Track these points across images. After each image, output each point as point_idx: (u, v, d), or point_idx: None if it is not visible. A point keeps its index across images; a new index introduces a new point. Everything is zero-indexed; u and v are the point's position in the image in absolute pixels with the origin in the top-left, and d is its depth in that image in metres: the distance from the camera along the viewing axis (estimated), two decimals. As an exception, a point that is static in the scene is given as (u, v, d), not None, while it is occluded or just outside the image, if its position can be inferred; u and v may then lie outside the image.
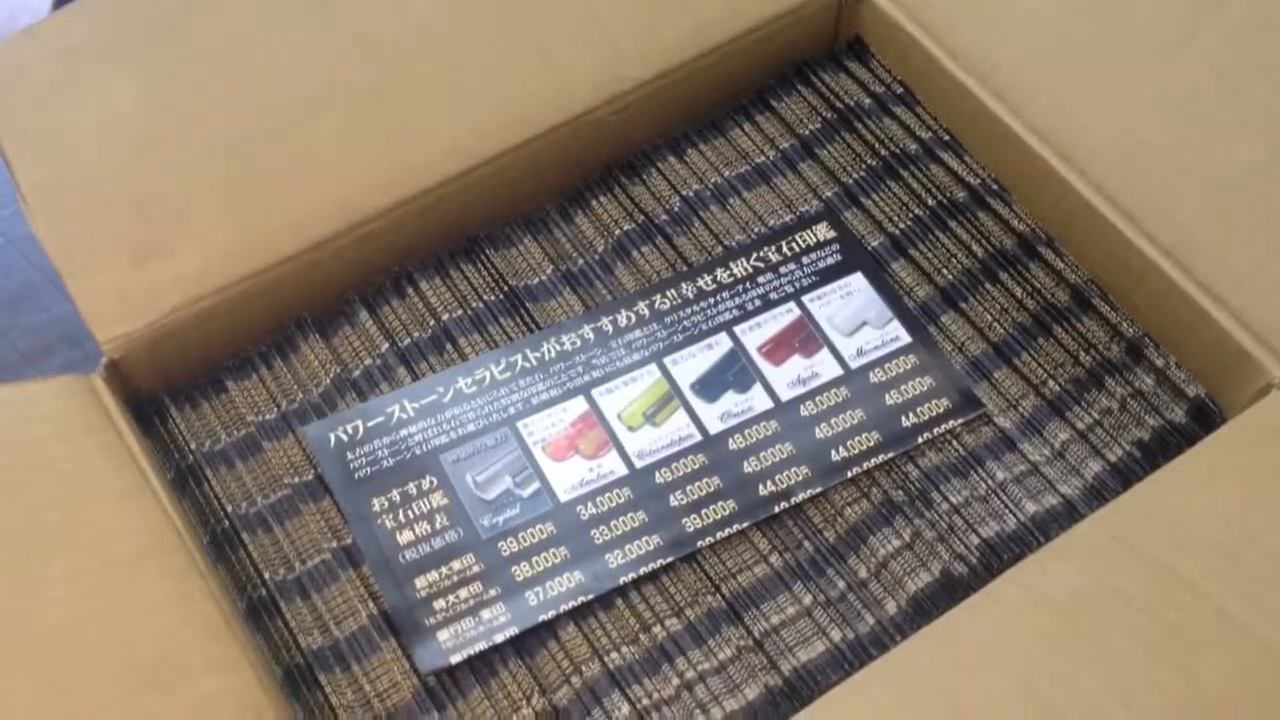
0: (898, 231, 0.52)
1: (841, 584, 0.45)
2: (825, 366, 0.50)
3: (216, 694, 0.41)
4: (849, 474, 0.47)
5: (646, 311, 0.50)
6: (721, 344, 0.50)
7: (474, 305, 0.51)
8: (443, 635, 0.44)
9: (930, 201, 0.53)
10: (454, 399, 0.48)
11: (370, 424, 0.48)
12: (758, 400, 0.49)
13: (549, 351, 0.50)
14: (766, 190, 0.54)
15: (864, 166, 0.54)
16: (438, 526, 0.46)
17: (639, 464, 0.48)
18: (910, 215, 0.53)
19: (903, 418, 0.48)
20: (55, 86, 0.51)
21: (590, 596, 0.45)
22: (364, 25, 0.53)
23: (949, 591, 0.45)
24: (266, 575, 0.46)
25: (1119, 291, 0.51)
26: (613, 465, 0.47)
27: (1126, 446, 0.47)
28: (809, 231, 0.52)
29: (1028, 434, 0.48)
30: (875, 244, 0.52)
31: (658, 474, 0.47)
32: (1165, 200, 0.49)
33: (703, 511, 0.47)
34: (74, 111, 0.50)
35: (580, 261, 0.52)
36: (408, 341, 0.50)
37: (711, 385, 0.49)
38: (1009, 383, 0.49)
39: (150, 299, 0.48)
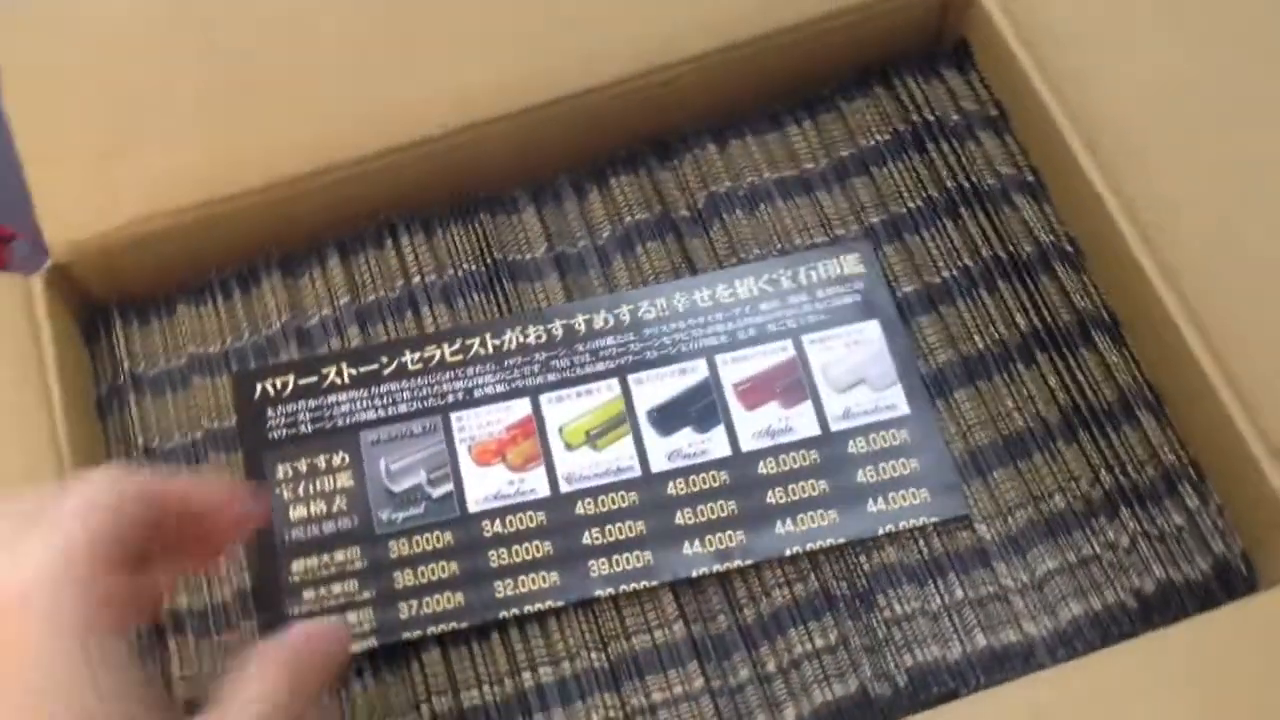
0: (939, 280, 0.48)
1: (744, 673, 0.42)
2: (802, 422, 0.46)
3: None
4: (787, 552, 0.44)
5: (628, 317, 0.48)
6: (696, 371, 0.47)
7: (450, 273, 0.49)
8: None
9: (987, 252, 0.48)
10: (395, 373, 0.47)
11: (303, 382, 0.47)
12: (715, 445, 0.46)
13: (510, 342, 0.47)
14: (805, 202, 0.50)
15: (924, 195, 0.49)
16: (334, 509, 0.45)
17: (564, 488, 0.45)
18: (959, 264, 0.48)
19: (870, 501, 0.44)
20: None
21: (464, 624, 0.44)
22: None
23: (860, 711, 0.41)
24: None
25: (1177, 407, 0.45)
26: (535, 484, 0.45)
27: (1121, 594, 0.42)
28: (835, 261, 0.48)
29: (1009, 553, 0.43)
30: (907, 289, 0.48)
31: (580, 504, 0.45)
32: (1246, 320, 0.42)
33: (615, 558, 0.44)
34: (70, 4, 0.50)
35: (581, 244, 0.50)
36: (371, 299, 0.49)
37: (670, 417, 0.46)
38: (1007, 486, 0.44)
39: (111, 205, 0.48)
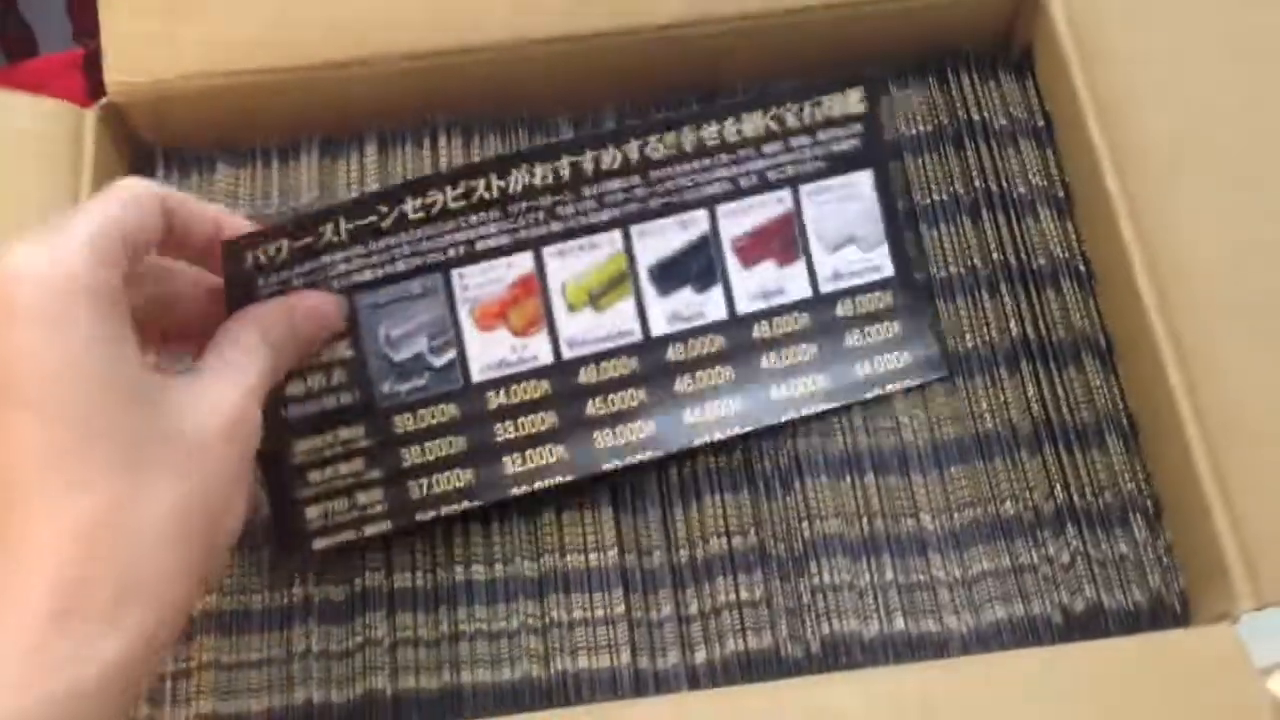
0: (944, 275, 0.49)
1: (667, 610, 0.44)
2: (795, 283, 0.48)
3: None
4: (782, 418, 0.46)
5: (636, 155, 0.47)
6: (698, 224, 0.47)
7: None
8: (311, 512, 0.45)
9: (998, 256, 0.49)
10: (394, 225, 0.45)
11: (297, 245, 0.45)
12: (712, 307, 0.47)
13: (515, 183, 0.46)
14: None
15: (949, 190, 0.50)
16: (334, 382, 0.46)
17: (567, 354, 0.46)
18: (967, 263, 0.49)
19: (857, 365, 0.47)
20: None
21: (473, 504, 0.45)
22: None
23: (767, 666, 0.43)
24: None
25: (1149, 439, 0.46)
26: (539, 349, 0.46)
27: (1048, 608, 0.44)
28: (840, 96, 0.48)
29: (947, 547, 0.45)
30: (920, 277, 0.49)
31: (583, 371, 0.46)
32: (1231, 363, 0.43)
33: (619, 429, 0.46)
34: None
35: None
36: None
37: (671, 275, 0.47)
38: (963, 482, 0.46)
39: (172, 57, 0.51)
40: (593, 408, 0.46)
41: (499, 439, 0.45)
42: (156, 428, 0.34)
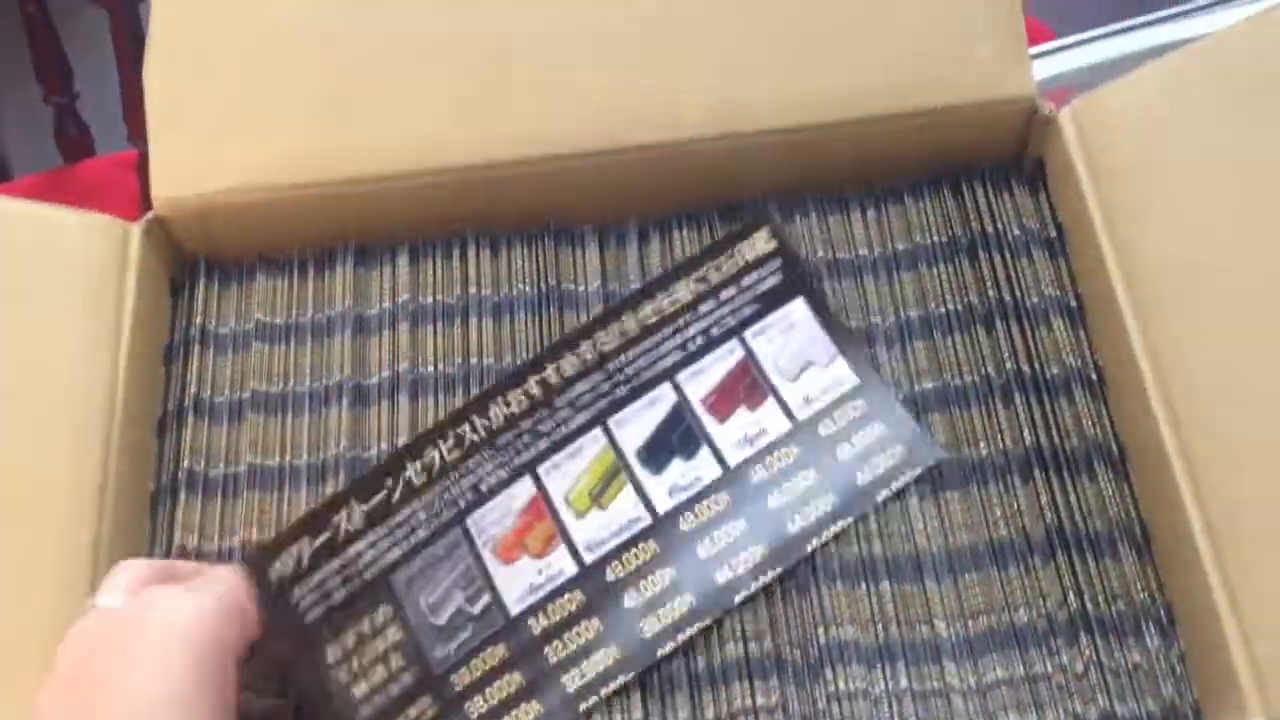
0: (959, 383, 0.50)
1: (685, 713, 0.45)
2: (772, 420, 0.50)
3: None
4: (808, 548, 0.47)
5: (590, 355, 0.51)
6: (665, 398, 0.50)
7: (505, 290, 0.53)
8: None
9: (1011, 365, 0.50)
10: (403, 495, 0.49)
11: (316, 544, 0.47)
12: (705, 468, 0.49)
13: (496, 417, 0.50)
14: (849, 286, 0.52)
15: (964, 300, 0.51)
16: (394, 669, 0.46)
17: (588, 558, 0.48)
18: (982, 372, 0.50)
19: (858, 474, 0.48)
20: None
21: None
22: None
23: (781, 775, 0.43)
24: (186, 464, 0.51)
25: (1162, 548, 0.46)
26: (562, 564, 0.48)
27: (1061, 717, 0.44)
28: (748, 241, 0.53)
29: (961, 654, 0.45)
30: (927, 386, 0.50)
31: (609, 569, 0.48)
32: (1239, 473, 0.44)
33: (659, 612, 0.47)
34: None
35: (633, 286, 0.53)
36: (428, 301, 0.53)
37: (657, 452, 0.50)
38: (976, 590, 0.46)
39: (216, 172, 0.53)
40: (630, 600, 0.47)
41: (551, 661, 0.46)
42: None
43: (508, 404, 0.50)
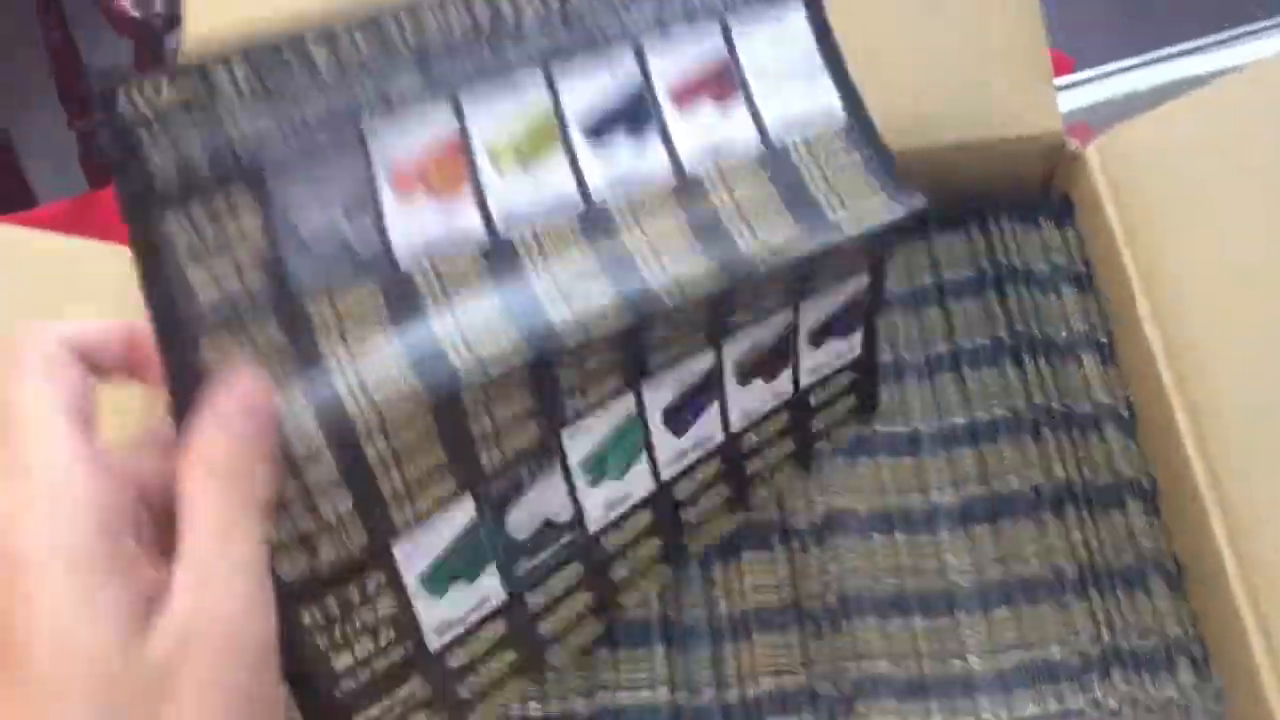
0: (988, 418, 0.50)
1: (718, 749, 0.45)
2: (741, 129, 0.43)
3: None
4: (760, 269, 0.41)
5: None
6: (625, 68, 0.42)
7: None
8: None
9: (1040, 400, 0.50)
10: (303, 69, 0.37)
11: (184, 95, 0.35)
12: (654, 160, 0.42)
13: (426, 27, 0.39)
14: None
15: (992, 335, 0.52)
16: (241, 259, 0.36)
17: (501, 227, 0.39)
18: (1010, 406, 0.50)
19: (828, 210, 0.42)
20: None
21: (424, 400, 0.37)
22: None
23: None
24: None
25: (1195, 583, 0.47)
26: (468, 219, 0.39)
27: (1093, 754, 0.44)
28: None
29: (995, 689, 0.46)
30: (957, 420, 0.50)
31: (521, 251, 0.39)
32: (1271, 506, 0.44)
33: (574, 304, 0.39)
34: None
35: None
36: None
37: (602, 122, 0.41)
38: (1008, 625, 0.47)
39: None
40: (537, 282, 0.39)
41: (436, 330, 0.38)
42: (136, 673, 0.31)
43: (443, 13, 0.40)
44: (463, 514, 0.40)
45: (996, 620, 0.47)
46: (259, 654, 0.32)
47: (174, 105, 0.35)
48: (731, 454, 0.47)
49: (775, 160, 0.43)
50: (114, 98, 0.35)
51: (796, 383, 0.47)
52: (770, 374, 0.46)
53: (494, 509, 0.41)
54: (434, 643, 0.41)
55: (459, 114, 0.40)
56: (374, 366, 0.36)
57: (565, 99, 0.41)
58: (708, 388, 0.45)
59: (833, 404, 0.49)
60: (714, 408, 0.46)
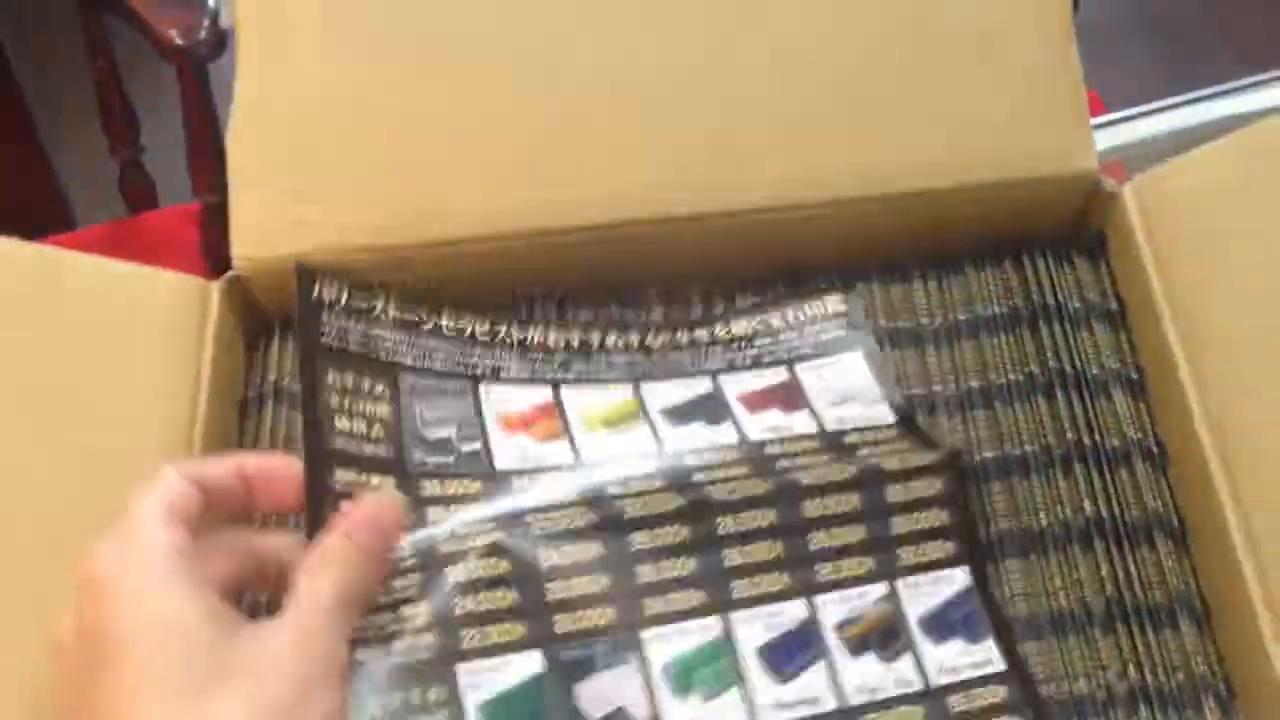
0: (1019, 453, 0.51)
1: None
2: (802, 424, 0.51)
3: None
4: (804, 480, 0.47)
5: (634, 339, 0.52)
6: (700, 385, 0.52)
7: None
8: None
9: (1072, 436, 0.51)
10: (432, 331, 0.50)
11: (353, 302, 0.49)
12: (725, 434, 0.50)
13: (533, 338, 0.51)
14: (911, 354, 0.53)
15: (1024, 371, 0.52)
16: (373, 434, 0.47)
17: (586, 458, 0.49)
18: (1043, 441, 0.51)
19: (871, 458, 0.49)
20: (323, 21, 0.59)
21: (505, 543, 0.44)
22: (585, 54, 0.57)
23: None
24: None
25: (1222, 621, 0.47)
26: (560, 455, 0.49)
27: (1119, 791, 0.44)
28: (818, 301, 0.54)
29: (1020, 722, 0.45)
30: (987, 455, 0.51)
31: (599, 472, 0.48)
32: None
33: (643, 499, 0.46)
34: (312, 45, 0.57)
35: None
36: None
37: (681, 413, 0.51)
38: (1036, 659, 0.47)
39: (295, 235, 0.55)
40: (612, 489, 0.47)
41: (528, 522, 0.45)
42: (226, 656, 0.37)
43: (546, 335, 0.52)
44: (529, 665, 0.44)
45: (1024, 654, 0.47)
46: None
47: (344, 307, 0.48)
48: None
49: (830, 438, 0.50)
50: (312, 279, 0.49)
51: (924, 677, 0.46)
52: (881, 650, 0.46)
53: (563, 673, 0.44)
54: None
55: (556, 392, 0.51)
56: (466, 520, 0.45)
57: (648, 399, 0.51)
58: (805, 638, 0.46)
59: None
60: (819, 665, 0.46)
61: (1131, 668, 0.47)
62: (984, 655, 0.47)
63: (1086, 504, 0.50)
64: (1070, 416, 0.52)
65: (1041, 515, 0.50)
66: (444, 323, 0.50)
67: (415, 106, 0.56)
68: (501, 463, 0.48)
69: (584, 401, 0.50)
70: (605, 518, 0.45)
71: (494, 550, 0.44)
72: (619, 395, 0.51)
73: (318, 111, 0.56)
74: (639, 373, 0.51)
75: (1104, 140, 0.77)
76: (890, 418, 0.51)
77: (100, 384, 0.52)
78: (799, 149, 0.55)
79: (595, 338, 0.52)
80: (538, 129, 0.56)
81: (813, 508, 0.47)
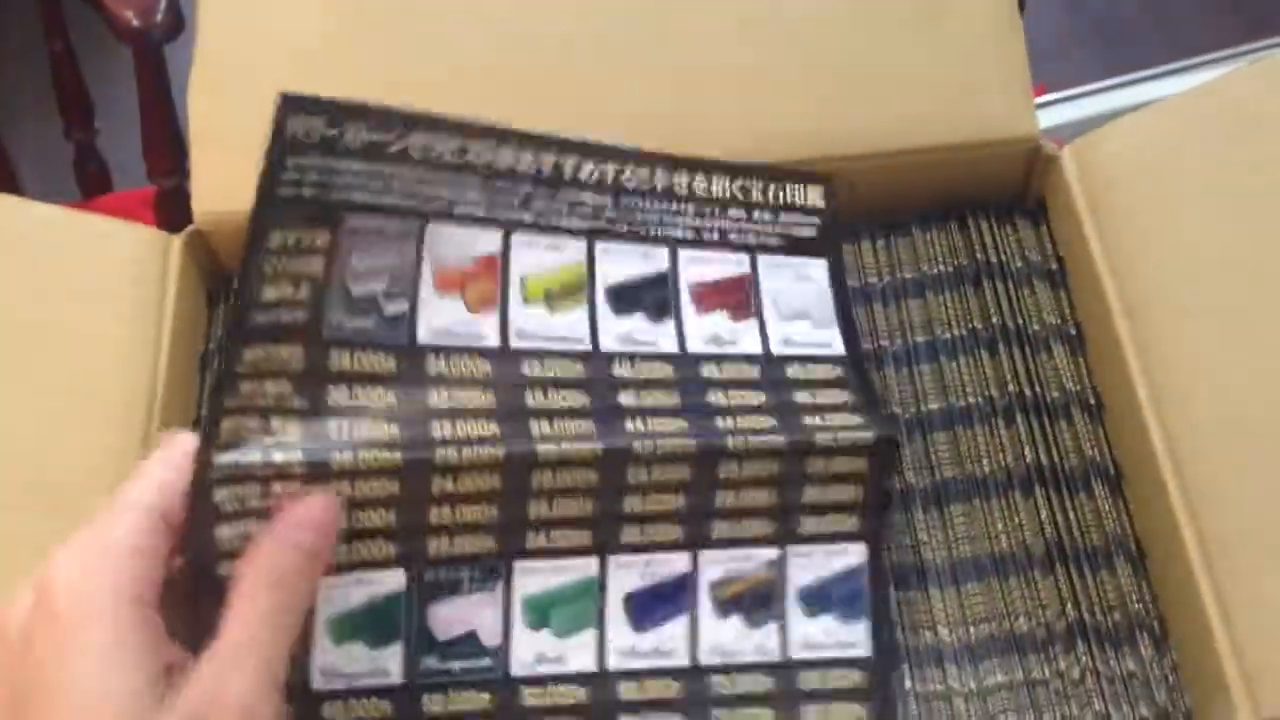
0: (962, 404, 0.53)
1: (696, 712, 0.47)
2: (747, 338, 0.49)
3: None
4: (729, 444, 0.45)
5: (611, 176, 0.48)
6: (658, 260, 0.49)
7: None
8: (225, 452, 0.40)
9: (1013, 388, 0.53)
10: (398, 156, 0.44)
11: (323, 131, 0.43)
12: (665, 339, 0.48)
13: (502, 160, 0.46)
14: (860, 312, 0.55)
15: (968, 326, 0.54)
16: (298, 296, 0.41)
17: (514, 343, 0.46)
18: (986, 394, 0.53)
19: (806, 418, 0.47)
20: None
21: (397, 456, 0.41)
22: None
23: None
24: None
25: (1155, 562, 0.49)
26: (486, 329, 0.45)
27: None
28: (802, 187, 0.51)
29: (963, 659, 0.48)
30: (932, 407, 0.53)
31: (525, 363, 0.45)
32: (1231, 492, 0.46)
33: (555, 423, 0.44)
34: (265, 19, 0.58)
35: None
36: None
37: (626, 298, 0.48)
38: (977, 599, 0.49)
39: (251, 189, 0.55)
40: (531, 399, 0.44)
41: (432, 404, 0.43)
42: None
43: (518, 157, 0.46)
44: (390, 582, 0.43)
45: (967, 594, 0.49)
46: None
47: (319, 138, 0.42)
48: (696, 689, 0.46)
49: (771, 368, 0.48)
50: (285, 120, 0.43)
51: (785, 648, 0.46)
52: (748, 615, 0.46)
53: (422, 593, 0.43)
54: (316, 680, 0.43)
55: (506, 240, 0.47)
56: (366, 425, 0.41)
57: (599, 267, 0.48)
58: (676, 592, 0.46)
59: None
60: (681, 620, 0.46)
61: (1070, 606, 0.48)
62: (853, 637, 0.47)
63: (1027, 452, 0.51)
64: (1012, 370, 0.53)
65: (985, 463, 0.51)
66: (413, 142, 0.44)
67: (378, 60, 0.57)
68: (424, 333, 0.44)
69: (533, 259, 0.47)
70: (512, 454, 0.43)
71: (386, 471, 0.41)
72: (570, 257, 0.48)
73: (281, 64, 0.57)
74: (600, 223, 0.48)
75: (1044, 120, 0.79)
76: (838, 346, 0.50)
77: (65, 329, 0.52)
78: (752, 115, 0.57)
79: (569, 164, 0.47)
80: (503, 86, 0.57)
81: (729, 470, 0.46)
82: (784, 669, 0.46)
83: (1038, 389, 0.53)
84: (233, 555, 0.38)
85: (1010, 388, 0.53)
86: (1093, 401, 0.52)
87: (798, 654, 0.46)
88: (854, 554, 0.47)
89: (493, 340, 0.45)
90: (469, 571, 0.44)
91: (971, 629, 0.48)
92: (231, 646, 0.35)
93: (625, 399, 0.46)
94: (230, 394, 0.40)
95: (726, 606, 0.46)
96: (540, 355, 0.46)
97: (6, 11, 1.52)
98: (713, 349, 0.48)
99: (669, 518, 0.46)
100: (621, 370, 0.47)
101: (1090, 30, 1.72)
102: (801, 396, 0.48)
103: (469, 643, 0.44)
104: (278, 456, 0.40)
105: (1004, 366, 0.53)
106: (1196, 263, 0.51)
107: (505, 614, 0.44)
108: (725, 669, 0.46)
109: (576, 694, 0.45)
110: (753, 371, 0.48)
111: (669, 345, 0.48)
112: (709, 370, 0.48)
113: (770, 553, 0.47)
